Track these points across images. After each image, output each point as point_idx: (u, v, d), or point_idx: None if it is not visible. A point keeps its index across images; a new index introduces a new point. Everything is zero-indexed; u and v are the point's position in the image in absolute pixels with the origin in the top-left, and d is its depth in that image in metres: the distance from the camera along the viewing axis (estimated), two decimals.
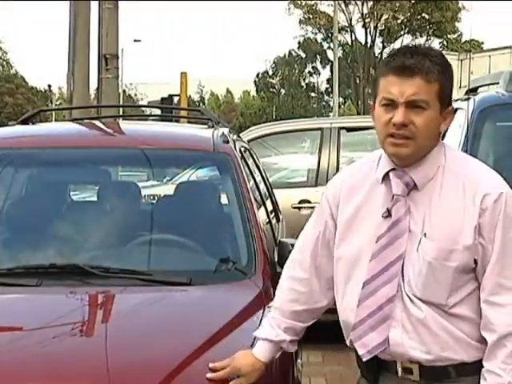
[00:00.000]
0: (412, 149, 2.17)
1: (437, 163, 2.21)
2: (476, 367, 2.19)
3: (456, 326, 2.17)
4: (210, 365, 2.50)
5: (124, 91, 51.07)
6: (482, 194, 2.14)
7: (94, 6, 10.96)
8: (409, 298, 2.17)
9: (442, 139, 2.28)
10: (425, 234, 2.16)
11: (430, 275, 2.15)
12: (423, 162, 2.20)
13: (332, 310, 2.48)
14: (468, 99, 4.83)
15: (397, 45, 48.24)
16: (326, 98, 53.93)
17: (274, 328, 2.46)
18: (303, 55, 52.61)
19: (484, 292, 2.15)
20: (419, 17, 45.81)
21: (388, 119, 2.17)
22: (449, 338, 2.17)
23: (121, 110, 9.94)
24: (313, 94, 55.35)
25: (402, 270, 2.18)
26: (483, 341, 2.17)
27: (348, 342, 2.32)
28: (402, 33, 47.86)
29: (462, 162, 2.25)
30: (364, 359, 2.27)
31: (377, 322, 2.20)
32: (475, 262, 2.15)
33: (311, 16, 47.92)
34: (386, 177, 2.25)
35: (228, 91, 62.12)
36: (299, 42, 50.97)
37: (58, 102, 55.11)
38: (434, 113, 2.17)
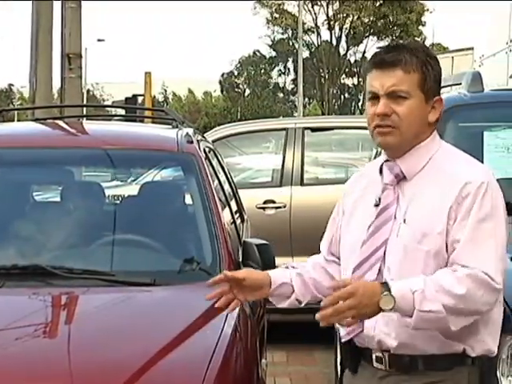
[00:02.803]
0: (397, 137, 2.24)
1: (428, 155, 2.27)
2: (446, 363, 2.21)
3: None
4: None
5: (88, 91, 50.76)
6: (463, 183, 2.17)
7: (57, 5, 10.88)
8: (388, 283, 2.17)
9: (431, 132, 2.32)
10: (404, 220, 2.23)
11: (403, 259, 2.20)
12: (413, 154, 2.27)
13: (299, 310, 2.49)
14: None
15: (361, 47, 48.61)
16: (292, 98, 54.08)
17: (295, 264, 2.53)
18: (273, 55, 52.67)
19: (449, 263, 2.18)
20: (383, 19, 46.10)
21: (373, 112, 2.27)
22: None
23: (84, 109, 9.86)
24: (281, 95, 55.46)
25: (384, 256, 2.25)
26: (454, 336, 2.17)
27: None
28: (367, 34, 48.13)
29: (451, 155, 2.30)
30: (343, 340, 2.33)
31: None
32: (447, 249, 2.18)
33: (278, 16, 48.00)
34: (382, 168, 2.33)
35: (190, 91, 61.95)
36: (272, 41, 51.02)
37: (18, 102, 54.58)
38: (417, 102, 2.24)
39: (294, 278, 2.45)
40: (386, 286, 2.11)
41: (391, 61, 2.25)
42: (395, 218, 2.25)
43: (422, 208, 2.21)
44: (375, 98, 2.27)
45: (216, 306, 2.39)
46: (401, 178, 2.28)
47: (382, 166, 2.34)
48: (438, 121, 2.32)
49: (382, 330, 2.23)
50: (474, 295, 2.12)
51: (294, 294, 2.44)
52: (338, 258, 2.47)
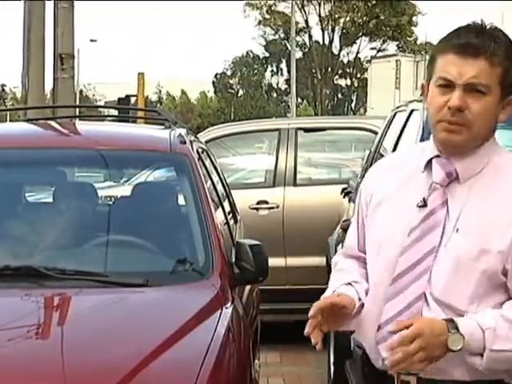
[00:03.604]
0: (465, 137, 1.99)
1: (486, 158, 2.02)
2: None
3: None
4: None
5: (81, 91, 50.68)
6: None
7: (49, 4, 10.87)
8: (426, 298, 1.98)
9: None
10: (457, 230, 1.97)
11: (453, 275, 1.95)
12: (472, 154, 2.01)
13: (290, 311, 2.47)
14: (423, 100, 4.87)
15: (354, 47, 48.68)
16: (285, 98, 54.14)
17: (353, 277, 2.17)
18: (266, 55, 52.70)
19: None
20: (376, 20, 46.16)
21: (443, 102, 1.98)
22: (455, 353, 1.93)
23: (77, 110, 9.86)
24: (274, 95, 55.48)
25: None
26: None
27: (368, 343, 2.08)
28: (360, 35, 48.19)
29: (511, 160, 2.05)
30: (391, 372, 2.01)
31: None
32: (505, 273, 1.95)
33: (269, 17, 48.05)
34: (428, 165, 2.06)
35: (183, 92, 61.97)
36: (265, 41, 51.04)
37: (10, 103, 54.47)
38: (494, 100, 1.98)
39: (363, 296, 2.13)
40: (452, 323, 1.90)
41: (477, 48, 1.96)
42: (444, 224, 1.99)
43: (481, 218, 1.95)
44: (448, 86, 1.98)
45: (313, 343, 2.03)
46: (453, 179, 2.01)
47: (429, 160, 2.05)
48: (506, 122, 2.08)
49: None
50: None
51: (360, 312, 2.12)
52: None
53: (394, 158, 2.20)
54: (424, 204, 2.02)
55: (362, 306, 2.12)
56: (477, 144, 2.02)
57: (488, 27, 2.01)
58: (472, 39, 1.98)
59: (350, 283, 2.15)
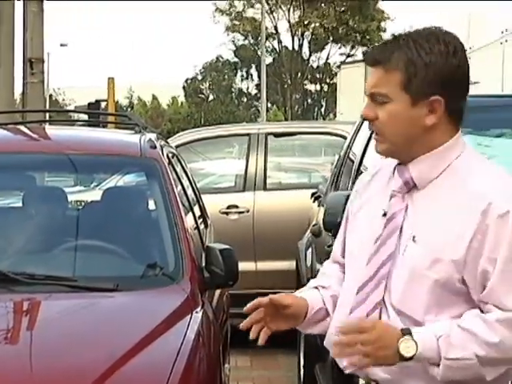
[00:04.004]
0: (386, 146, 1.97)
1: (445, 161, 1.95)
2: None
3: None
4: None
5: (50, 96, 50.34)
6: (486, 203, 1.86)
7: (19, 8, 10.78)
8: (386, 306, 1.95)
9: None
10: (413, 238, 1.93)
11: (408, 284, 1.91)
12: (427, 158, 1.95)
13: None
14: None
15: (324, 53, 48.87)
16: (255, 103, 54.19)
17: (324, 281, 2.19)
18: (236, 60, 52.73)
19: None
20: (345, 26, 46.38)
21: None
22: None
23: (47, 115, 9.79)
24: (244, 100, 55.53)
25: (388, 274, 1.95)
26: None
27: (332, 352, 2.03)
28: (329, 41, 48.38)
29: (475, 164, 1.97)
30: (347, 371, 2.01)
31: None
32: (464, 282, 1.89)
33: (237, 22, 48.07)
34: (395, 172, 2.03)
35: (154, 97, 61.83)
36: (235, 46, 51.06)
37: None
38: (401, 105, 1.91)
39: (327, 301, 2.14)
40: (406, 330, 1.86)
41: (373, 58, 1.95)
42: (401, 231, 1.95)
43: (436, 227, 1.90)
44: None
45: (251, 336, 2.06)
46: (411, 186, 1.97)
47: (395, 168, 2.02)
48: (459, 123, 1.99)
49: None
50: (509, 342, 1.85)
51: (328, 318, 2.12)
52: None
53: (383, 163, 2.13)
54: (386, 213, 2.00)
55: (327, 310, 2.12)
56: (414, 150, 1.95)
57: (401, 36, 1.95)
58: (374, 50, 1.98)
59: (316, 287, 2.16)
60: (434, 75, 1.91)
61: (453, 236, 1.88)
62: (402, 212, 1.97)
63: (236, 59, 52.59)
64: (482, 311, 1.90)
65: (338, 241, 2.22)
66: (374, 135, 2.00)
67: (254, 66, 50.73)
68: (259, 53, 42.53)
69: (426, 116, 1.93)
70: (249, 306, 2.06)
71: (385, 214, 1.99)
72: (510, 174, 1.99)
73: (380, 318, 1.96)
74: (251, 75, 54.27)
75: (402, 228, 1.96)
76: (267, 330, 2.07)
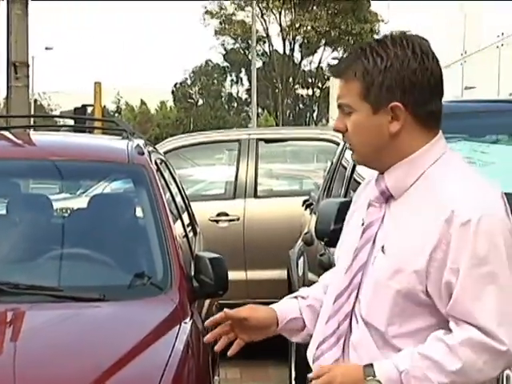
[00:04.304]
0: (357, 156, 2.00)
1: (419, 169, 1.94)
2: None
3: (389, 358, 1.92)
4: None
5: (35, 101, 50.29)
6: (449, 212, 1.84)
7: (2, 10, 10.78)
8: (356, 317, 1.98)
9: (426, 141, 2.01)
10: (382, 248, 1.94)
11: (373, 295, 1.94)
12: (400, 167, 1.95)
13: None
14: None
15: (316, 57, 48.99)
16: (246, 108, 54.23)
17: (305, 292, 2.24)
18: (225, 64, 52.80)
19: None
20: (338, 29, 46.49)
21: None
22: None
23: (31, 120, 9.77)
24: (235, 105, 55.56)
25: (360, 284, 1.98)
26: None
27: (310, 360, 2.09)
28: (321, 44, 48.49)
29: (449, 171, 1.94)
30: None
31: (334, 342, 2.02)
32: (428, 294, 1.88)
33: (227, 26, 48.14)
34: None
35: (142, 102, 61.86)
36: (225, 50, 51.12)
37: None
38: (363, 115, 1.94)
39: (304, 310, 2.18)
40: (369, 369, 1.87)
41: (335, 70, 2.00)
42: (374, 241, 1.97)
43: (403, 237, 1.91)
44: None
45: (216, 348, 2.13)
46: (388, 196, 1.97)
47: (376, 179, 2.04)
48: (433, 127, 1.97)
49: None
50: (473, 365, 1.83)
51: (306, 328, 2.17)
52: None
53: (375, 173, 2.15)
54: (363, 222, 2.02)
55: (302, 320, 2.17)
56: (385, 159, 1.96)
57: (362, 46, 1.97)
58: (338, 62, 2.01)
59: (296, 297, 2.21)
60: (391, 81, 1.91)
61: (417, 246, 1.88)
62: (378, 222, 1.98)
63: (226, 63, 52.64)
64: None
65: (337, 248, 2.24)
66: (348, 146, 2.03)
67: (244, 70, 50.77)
68: (250, 57, 42.59)
69: (390, 123, 1.93)
70: (208, 321, 2.14)
71: (362, 224, 2.01)
72: (487, 182, 1.96)
73: (351, 329, 1.99)
74: (241, 79, 54.33)
75: (375, 239, 1.97)
76: (240, 341, 2.14)
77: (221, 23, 48.18)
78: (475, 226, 1.83)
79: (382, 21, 47.07)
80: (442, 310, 1.89)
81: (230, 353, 2.13)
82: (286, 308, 2.18)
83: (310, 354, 2.09)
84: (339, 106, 1.98)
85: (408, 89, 1.91)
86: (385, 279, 1.92)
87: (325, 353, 2.02)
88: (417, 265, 1.87)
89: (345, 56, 2.02)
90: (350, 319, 1.99)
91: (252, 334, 2.15)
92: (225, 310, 2.13)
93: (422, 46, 1.95)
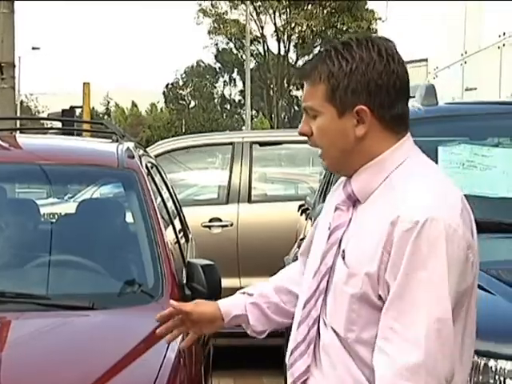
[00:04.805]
0: (326, 160, 2.03)
1: (383, 173, 1.96)
2: None
3: (358, 365, 1.94)
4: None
5: (22, 102, 50.23)
6: (395, 219, 1.86)
7: None
8: (324, 321, 2.01)
9: (392, 143, 2.03)
10: (343, 252, 1.97)
11: (333, 300, 1.97)
12: (364, 171, 1.98)
13: (245, 334, 2.48)
14: None
15: (311, 57, 48.98)
16: (239, 110, 54.22)
17: (251, 287, 2.32)
18: (217, 65, 52.83)
19: (379, 329, 1.90)
20: (334, 28, 46.57)
21: None
22: (347, 377, 1.96)
23: (18, 122, 9.78)
24: (228, 107, 55.56)
25: (327, 288, 2.00)
26: None
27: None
28: (317, 44, 48.56)
29: (410, 174, 1.96)
30: None
31: (304, 349, 2.04)
32: (381, 298, 1.90)
33: (221, 25, 48.19)
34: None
35: (134, 104, 61.88)
36: (217, 50, 51.16)
37: None
38: (326, 119, 1.96)
39: (248, 308, 2.25)
40: None
41: (300, 73, 2.02)
42: (339, 245, 1.99)
43: (361, 242, 1.94)
44: None
45: (166, 339, 2.25)
46: (355, 199, 2.00)
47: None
48: (399, 130, 1.99)
49: (313, 374, 2.02)
50: None
51: (250, 326, 2.26)
52: None
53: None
54: (330, 226, 2.04)
55: (246, 317, 2.25)
56: (352, 162, 1.98)
57: (326, 48, 2.00)
58: (304, 65, 2.04)
59: (244, 292, 2.30)
60: (356, 84, 1.93)
61: (370, 250, 1.90)
62: (344, 225, 2.00)
63: (218, 64, 52.65)
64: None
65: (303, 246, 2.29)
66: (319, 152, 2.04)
67: (236, 71, 50.77)
68: (244, 57, 42.62)
69: (355, 126, 1.95)
70: (158, 316, 2.28)
71: (329, 228, 2.03)
72: (446, 186, 1.98)
73: (319, 334, 2.01)
74: (234, 81, 54.35)
75: (340, 242, 1.99)
76: (193, 335, 2.27)
77: (214, 22, 48.20)
78: (418, 230, 1.83)
79: (379, 18, 47.16)
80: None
81: (182, 345, 2.26)
82: (230, 304, 2.27)
83: (286, 361, 2.11)
84: (304, 109, 2.01)
85: (373, 92, 1.94)
86: (341, 284, 1.94)
87: (297, 360, 2.05)
88: (368, 268, 1.89)
89: (308, 60, 2.04)
90: (319, 324, 2.01)
91: (202, 327, 2.25)
92: (171, 301, 2.27)
93: (388, 48, 1.97)
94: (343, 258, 1.96)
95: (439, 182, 1.97)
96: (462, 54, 20.63)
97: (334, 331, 1.97)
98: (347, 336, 1.94)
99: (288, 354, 2.10)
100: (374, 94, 1.94)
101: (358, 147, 1.96)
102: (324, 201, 2.54)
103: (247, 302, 2.26)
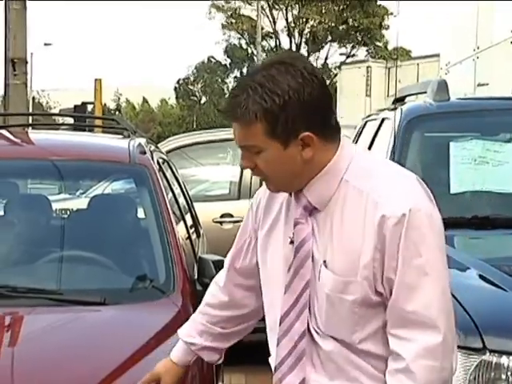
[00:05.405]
0: (275, 186, 2.07)
1: (337, 177, 2.02)
2: None
3: (365, 360, 2.03)
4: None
5: (34, 98, 50.33)
6: (380, 217, 1.94)
7: (0, 6, 10.79)
8: (316, 331, 2.05)
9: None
10: (324, 262, 2.01)
11: (329, 309, 2.01)
12: (316, 182, 2.03)
13: (256, 330, 2.48)
14: (395, 109, 4.92)
15: (322, 52, 48.95)
16: None
17: (189, 329, 2.44)
18: (228, 61, 52.77)
19: (388, 324, 1.99)
20: (346, 24, 46.46)
21: None
22: (358, 373, 2.03)
23: (30, 118, 9.80)
24: None
25: (309, 301, 2.05)
26: None
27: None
28: (328, 40, 48.47)
29: (368, 175, 2.02)
30: None
31: (294, 362, 2.08)
32: (380, 293, 1.99)
33: (234, 20, 48.17)
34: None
35: (145, 100, 61.89)
36: (227, 47, 51.09)
37: None
38: (273, 152, 1.97)
39: (198, 352, 2.43)
40: None
41: (230, 115, 2.00)
42: (313, 256, 2.03)
43: (343, 248, 1.99)
44: None
45: None
46: (311, 209, 2.04)
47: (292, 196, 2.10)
48: (336, 138, 2.04)
49: (322, 381, 2.07)
50: (433, 372, 1.94)
51: (198, 346, 2.42)
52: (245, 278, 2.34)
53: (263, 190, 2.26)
54: (292, 240, 2.07)
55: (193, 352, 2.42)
56: (301, 181, 2.03)
57: (248, 85, 1.97)
58: (226, 104, 2.01)
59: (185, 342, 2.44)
60: (293, 113, 1.95)
61: (357, 255, 1.97)
62: (310, 236, 2.04)
63: (229, 60, 52.60)
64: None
65: (230, 256, 2.40)
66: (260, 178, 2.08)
67: (247, 66, 50.69)
68: (255, 52, 42.56)
69: (302, 151, 1.98)
70: None
71: (292, 242, 2.06)
72: (402, 174, 2.07)
73: (314, 345, 2.06)
74: None
75: (313, 255, 2.03)
76: None
77: (228, 17, 48.13)
78: (405, 223, 1.93)
79: (391, 14, 47.00)
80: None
81: None
82: (182, 355, 2.43)
83: (274, 377, 2.15)
84: (243, 148, 2.01)
85: (311, 115, 1.97)
86: (336, 293, 1.99)
87: (286, 375, 2.10)
88: (364, 272, 1.96)
89: (231, 99, 2.00)
90: (309, 337, 2.06)
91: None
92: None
93: (307, 67, 1.99)
94: (326, 267, 2.01)
95: (397, 174, 2.06)
96: (474, 49, 20.54)
97: (335, 338, 2.03)
98: (352, 339, 2.01)
99: (273, 369, 2.14)
100: (312, 117, 1.97)
101: (307, 167, 2.01)
102: None
103: (194, 349, 2.41)
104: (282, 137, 1.96)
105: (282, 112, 1.94)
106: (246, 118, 1.96)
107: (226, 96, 2.06)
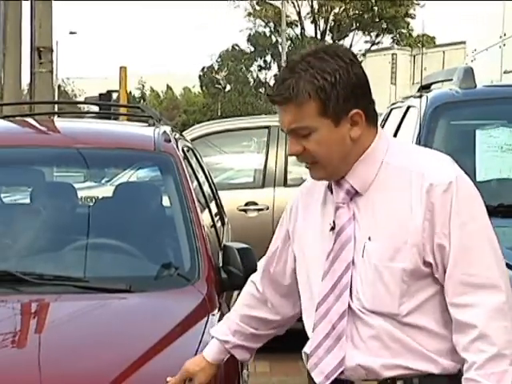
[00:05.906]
0: (323, 171, 2.12)
1: (378, 160, 2.11)
2: (442, 381, 2.07)
3: (411, 336, 2.06)
4: (168, 378, 2.46)
5: (59, 86, 50.55)
6: (429, 186, 2.02)
7: None
8: (359, 310, 2.09)
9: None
10: (369, 238, 2.07)
11: (377, 281, 2.05)
12: (360, 165, 2.11)
13: None
14: (421, 97, 4.89)
15: (347, 40, 48.72)
16: None
17: (224, 328, 2.47)
18: (251, 49, 52.65)
19: (448, 295, 2.04)
20: (371, 11, 46.21)
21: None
22: (402, 349, 2.06)
23: (56, 106, 9.83)
24: (262, 91, 55.39)
25: (351, 283, 2.09)
26: (443, 353, 2.07)
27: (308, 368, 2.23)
28: (353, 28, 48.24)
29: (407, 154, 2.13)
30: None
31: (332, 343, 2.11)
32: (429, 264, 2.03)
33: (259, 8, 48.06)
34: (331, 186, 2.18)
35: (168, 87, 61.93)
36: (249, 35, 51.01)
37: None
38: (325, 131, 2.06)
39: (231, 351, 2.45)
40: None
41: (281, 97, 2.06)
42: (355, 238, 2.09)
43: (390, 219, 2.06)
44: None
45: None
46: (353, 194, 2.12)
47: (330, 183, 2.17)
48: (377, 123, 2.15)
49: (363, 362, 2.09)
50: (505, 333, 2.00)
51: (231, 344, 2.44)
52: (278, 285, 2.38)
53: (306, 184, 2.32)
54: (334, 226, 2.13)
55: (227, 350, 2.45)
56: (347, 164, 2.11)
57: (297, 66, 2.05)
58: (274, 91, 2.08)
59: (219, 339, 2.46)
60: (344, 91, 2.05)
61: (406, 222, 2.04)
62: (351, 221, 2.11)
63: (253, 47, 52.49)
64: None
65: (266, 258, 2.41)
66: (305, 165, 2.14)
67: (276, 54, 50.58)
68: (279, 40, 42.44)
69: (350, 130, 2.08)
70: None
71: (332, 228, 2.13)
72: (437, 152, 2.21)
73: (356, 325, 2.09)
74: (269, 64, 54.17)
75: (354, 236, 2.10)
76: None
77: (252, 6, 48.02)
78: (454, 190, 2.02)
79: (418, 4, 46.69)
80: (439, 278, 2.05)
81: None
82: (216, 353, 2.46)
83: (307, 365, 2.20)
84: (291, 132, 2.08)
85: (359, 93, 2.08)
86: (385, 262, 2.05)
87: (323, 357, 2.13)
88: (413, 238, 2.03)
89: (280, 83, 2.07)
90: (350, 317, 2.09)
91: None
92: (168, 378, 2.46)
93: (347, 53, 2.11)
94: (371, 241, 2.07)
95: (434, 152, 2.20)
96: (500, 37, 20.38)
97: (381, 314, 2.06)
98: (400, 310, 2.05)
99: (307, 357, 2.19)
100: (360, 96, 2.09)
101: (354, 147, 2.10)
102: None
103: (228, 347, 2.44)
104: (334, 114, 2.05)
105: (333, 89, 2.04)
106: (298, 98, 2.03)
107: (273, 81, 2.14)
